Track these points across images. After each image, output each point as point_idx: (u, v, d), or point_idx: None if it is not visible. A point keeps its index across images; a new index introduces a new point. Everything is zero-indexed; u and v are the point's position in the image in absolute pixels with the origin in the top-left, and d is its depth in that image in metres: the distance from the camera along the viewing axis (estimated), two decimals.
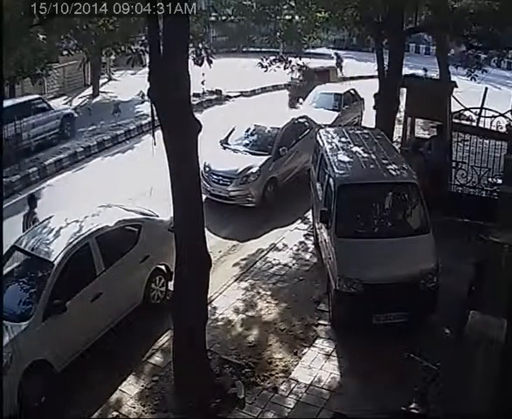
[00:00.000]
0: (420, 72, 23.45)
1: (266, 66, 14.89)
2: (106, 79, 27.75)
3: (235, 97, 25.18)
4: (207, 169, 13.97)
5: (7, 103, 17.46)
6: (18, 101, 18.49)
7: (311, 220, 12.62)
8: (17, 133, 17.06)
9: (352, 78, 27.59)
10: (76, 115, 20.35)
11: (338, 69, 29.28)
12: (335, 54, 29.81)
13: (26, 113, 17.82)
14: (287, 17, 13.94)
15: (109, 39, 10.29)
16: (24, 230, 10.14)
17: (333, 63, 27.37)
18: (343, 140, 11.60)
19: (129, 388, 8.21)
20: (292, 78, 23.74)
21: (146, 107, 20.54)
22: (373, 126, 14.04)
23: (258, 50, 25.24)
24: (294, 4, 13.58)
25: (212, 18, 13.18)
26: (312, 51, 23.90)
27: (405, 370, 7.95)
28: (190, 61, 8.77)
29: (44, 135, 18.62)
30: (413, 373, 7.90)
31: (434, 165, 12.78)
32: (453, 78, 18.59)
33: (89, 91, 25.37)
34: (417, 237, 9.33)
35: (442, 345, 8.50)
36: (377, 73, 14.14)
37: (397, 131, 14.65)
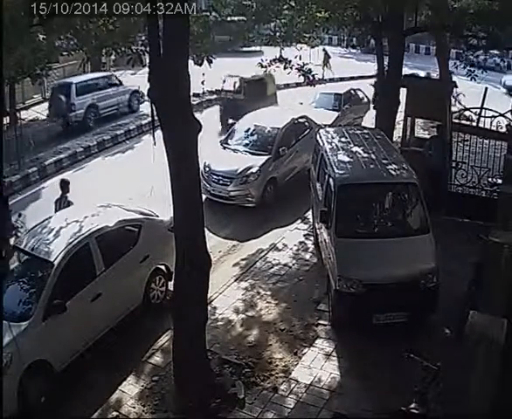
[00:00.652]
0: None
1: (266, 66, 14.89)
2: None
3: None
4: (207, 169, 13.98)
5: (88, 76, 21.12)
6: (96, 76, 21.59)
7: (311, 220, 12.62)
8: (94, 103, 20.32)
9: (343, 79, 27.25)
10: (142, 91, 22.26)
11: (326, 67, 28.53)
12: (323, 50, 29.03)
13: (102, 86, 21.00)
14: (288, 18, 13.93)
15: (109, 39, 10.29)
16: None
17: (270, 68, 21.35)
18: (343, 140, 11.59)
19: (129, 388, 8.21)
20: (223, 89, 20.93)
21: (146, 107, 20.56)
22: (373, 126, 14.05)
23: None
24: (293, 4, 13.57)
25: (212, 18, 13.17)
26: (247, 48, 20.45)
27: (405, 370, 7.95)
28: (190, 61, 8.77)
29: (117, 107, 21.45)
30: (413, 373, 7.89)
31: (434, 165, 12.79)
32: (453, 78, 18.61)
33: None
34: (417, 237, 9.33)
35: (442, 345, 8.50)
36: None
37: (398, 131, 14.64)
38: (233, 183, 13.72)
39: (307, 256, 11.71)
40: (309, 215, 12.92)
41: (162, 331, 9.25)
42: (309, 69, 13.56)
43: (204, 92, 24.23)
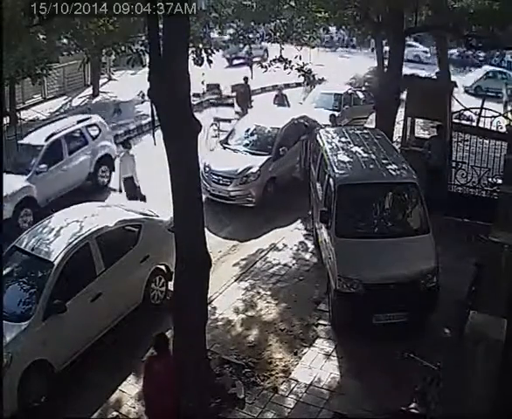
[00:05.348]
0: None
1: (266, 67, 14.90)
2: (106, 79, 27.73)
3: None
4: (207, 169, 13.98)
5: None
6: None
7: (311, 220, 12.62)
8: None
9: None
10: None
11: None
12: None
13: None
14: (288, 18, 13.93)
15: (109, 39, 10.29)
16: None
17: None
18: (343, 140, 11.59)
19: (129, 388, 8.22)
20: None
21: (146, 107, 20.55)
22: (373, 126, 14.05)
23: None
24: (294, 4, 13.57)
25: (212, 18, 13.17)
26: None
27: (405, 370, 7.96)
28: (190, 61, 8.77)
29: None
30: (413, 373, 7.90)
31: (434, 165, 12.79)
32: (453, 78, 18.63)
33: (89, 91, 25.35)
34: (417, 237, 9.33)
35: (442, 345, 8.50)
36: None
37: (398, 131, 14.63)
38: (233, 183, 13.71)
39: (307, 256, 11.71)
40: (309, 215, 12.92)
41: (162, 331, 9.22)
42: (309, 69, 13.56)
43: (204, 92, 24.21)
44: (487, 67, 29.36)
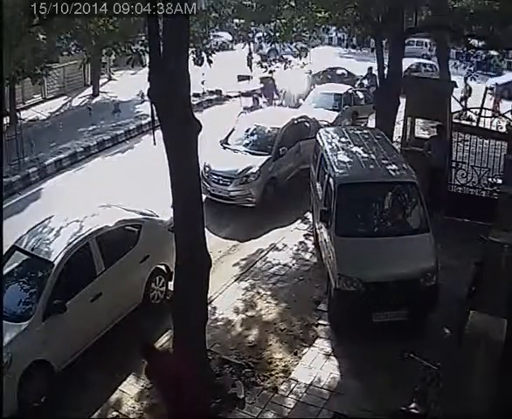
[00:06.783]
0: None
1: (266, 66, 14.93)
2: (106, 79, 27.75)
3: (235, 97, 25.12)
4: (207, 169, 13.97)
5: None
6: None
7: (311, 220, 12.62)
8: None
9: None
10: None
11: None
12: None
13: None
14: (288, 18, 13.93)
15: (109, 39, 10.29)
16: None
17: None
18: (343, 140, 11.60)
19: (129, 388, 8.21)
20: None
21: (146, 107, 20.57)
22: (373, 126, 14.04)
23: None
24: (294, 4, 13.56)
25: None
26: None
27: (405, 370, 7.95)
28: (190, 61, 8.77)
29: None
30: (413, 373, 7.90)
31: (434, 165, 12.79)
32: (453, 78, 18.62)
33: (89, 91, 25.38)
34: (416, 236, 9.34)
35: (442, 345, 8.50)
36: None
37: (398, 131, 14.64)
38: (233, 183, 13.70)
39: (307, 256, 11.70)
40: (309, 215, 12.92)
41: (162, 331, 9.24)
42: (310, 70, 13.57)
43: (204, 92, 24.22)
44: (416, 60, 27.78)
